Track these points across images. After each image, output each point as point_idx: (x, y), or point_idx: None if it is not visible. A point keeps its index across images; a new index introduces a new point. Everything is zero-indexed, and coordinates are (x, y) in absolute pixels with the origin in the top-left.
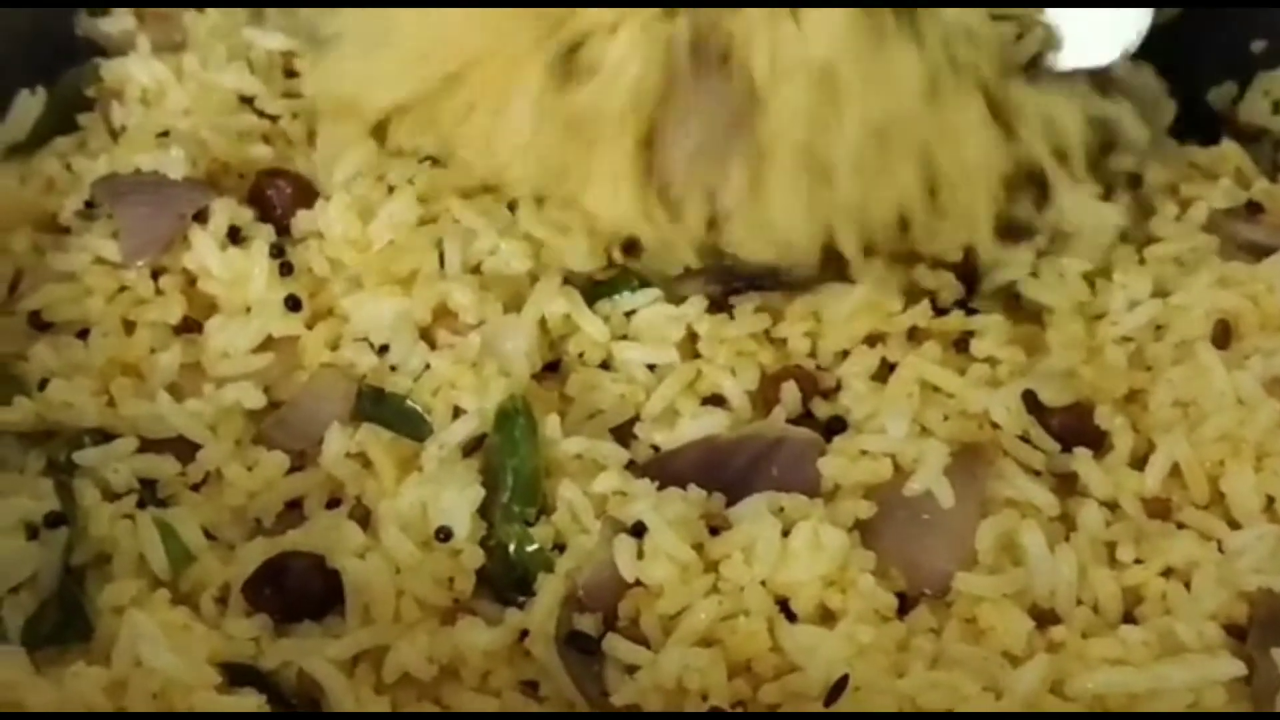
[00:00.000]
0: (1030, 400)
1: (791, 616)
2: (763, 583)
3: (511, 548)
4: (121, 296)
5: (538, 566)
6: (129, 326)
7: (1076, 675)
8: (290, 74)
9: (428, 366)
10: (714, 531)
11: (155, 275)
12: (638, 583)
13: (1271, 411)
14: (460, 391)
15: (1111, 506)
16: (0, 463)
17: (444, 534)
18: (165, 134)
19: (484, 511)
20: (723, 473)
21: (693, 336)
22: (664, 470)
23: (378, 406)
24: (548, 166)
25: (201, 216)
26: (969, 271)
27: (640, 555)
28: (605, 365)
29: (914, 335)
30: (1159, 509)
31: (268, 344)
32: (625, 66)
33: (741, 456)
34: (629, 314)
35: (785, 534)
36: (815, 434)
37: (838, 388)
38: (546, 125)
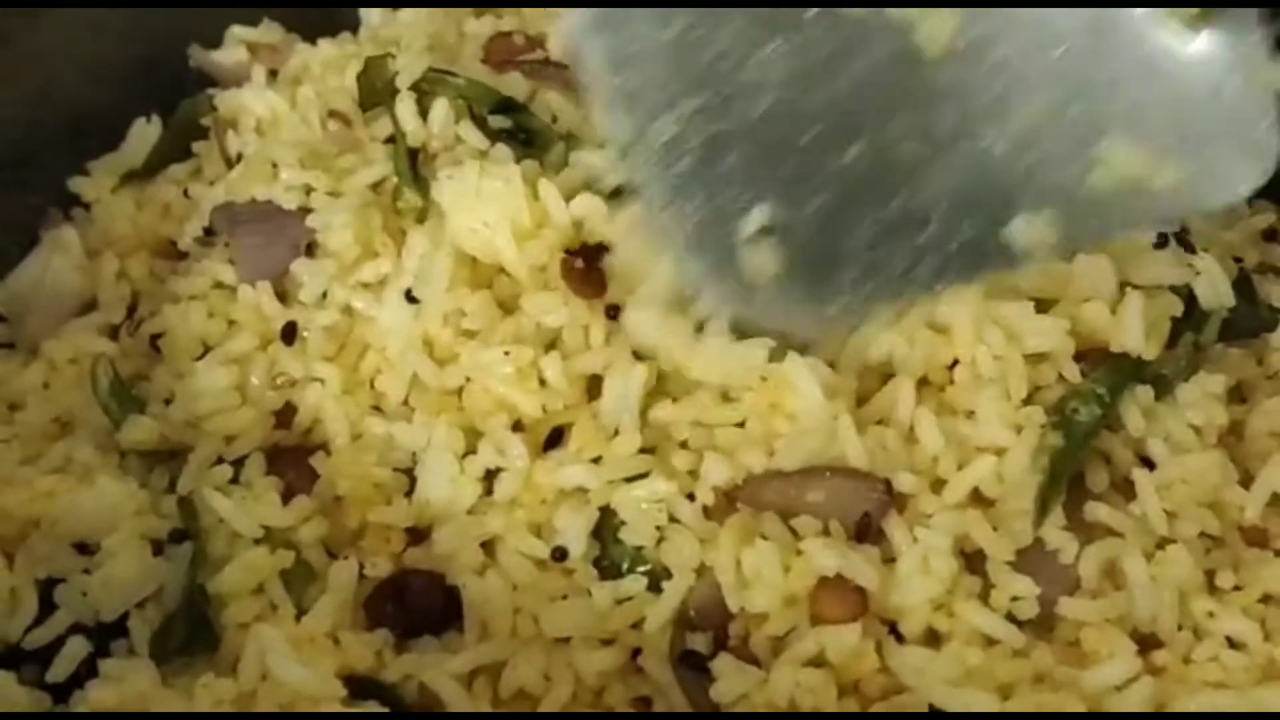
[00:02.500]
0: None
1: (900, 638)
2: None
3: (624, 567)
4: (240, 319)
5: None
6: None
7: (1179, 698)
8: None
9: None
10: None
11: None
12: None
13: None
14: None
15: (1211, 535)
16: (126, 481)
17: (560, 554)
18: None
19: (597, 532)
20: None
21: None
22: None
23: None
24: None
25: (312, 248)
26: None
27: (745, 585)
28: None
29: None
30: (1257, 537)
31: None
32: None
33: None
34: None
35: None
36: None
37: None
38: None
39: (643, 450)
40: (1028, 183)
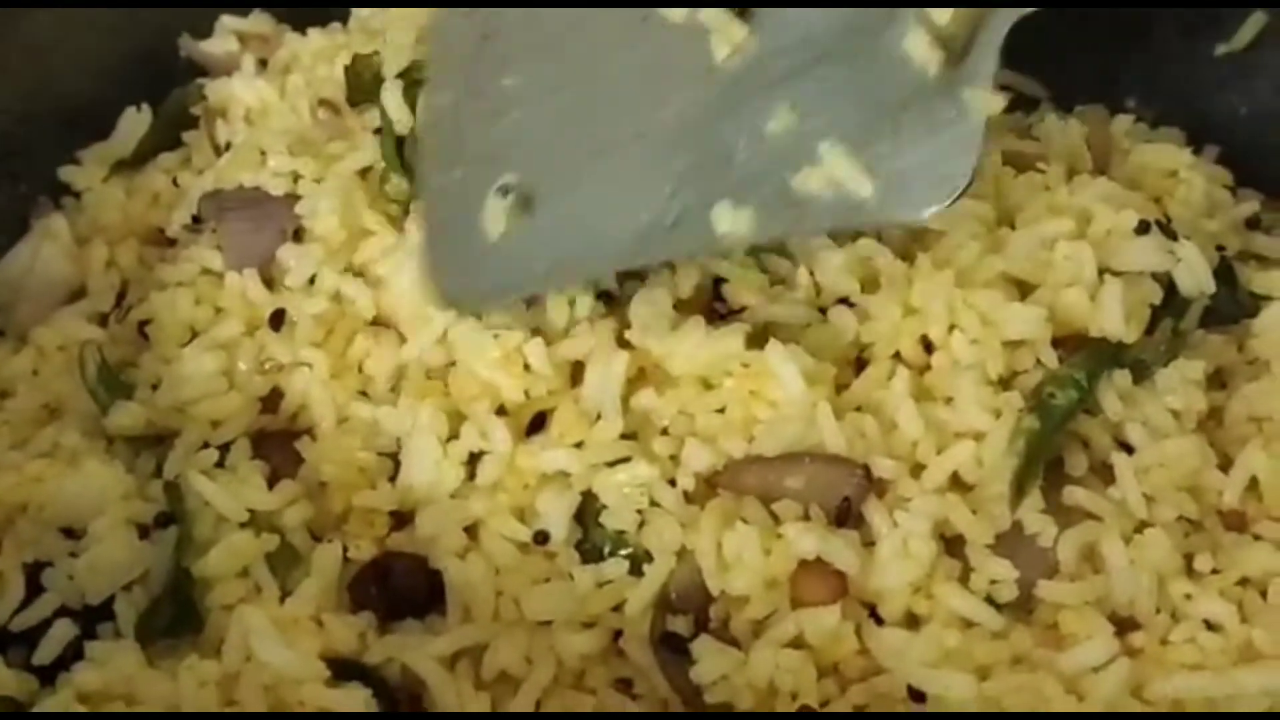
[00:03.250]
0: None
1: (879, 621)
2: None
3: (605, 550)
4: (228, 306)
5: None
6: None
7: (1156, 680)
8: None
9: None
10: None
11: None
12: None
13: None
14: None
15: (1190, 519)
16: (113, 466)
17: (542, 537)
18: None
19: (579, 517)
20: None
21: None
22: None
23: None
24: None
25: (299, 234)
26: None
27: (726, 568)
28: None
29: None
30: (1235, 521)
31: None
32: None
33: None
34: None
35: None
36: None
37: None
38: None
39: (624, 436)
40: (740, 173)
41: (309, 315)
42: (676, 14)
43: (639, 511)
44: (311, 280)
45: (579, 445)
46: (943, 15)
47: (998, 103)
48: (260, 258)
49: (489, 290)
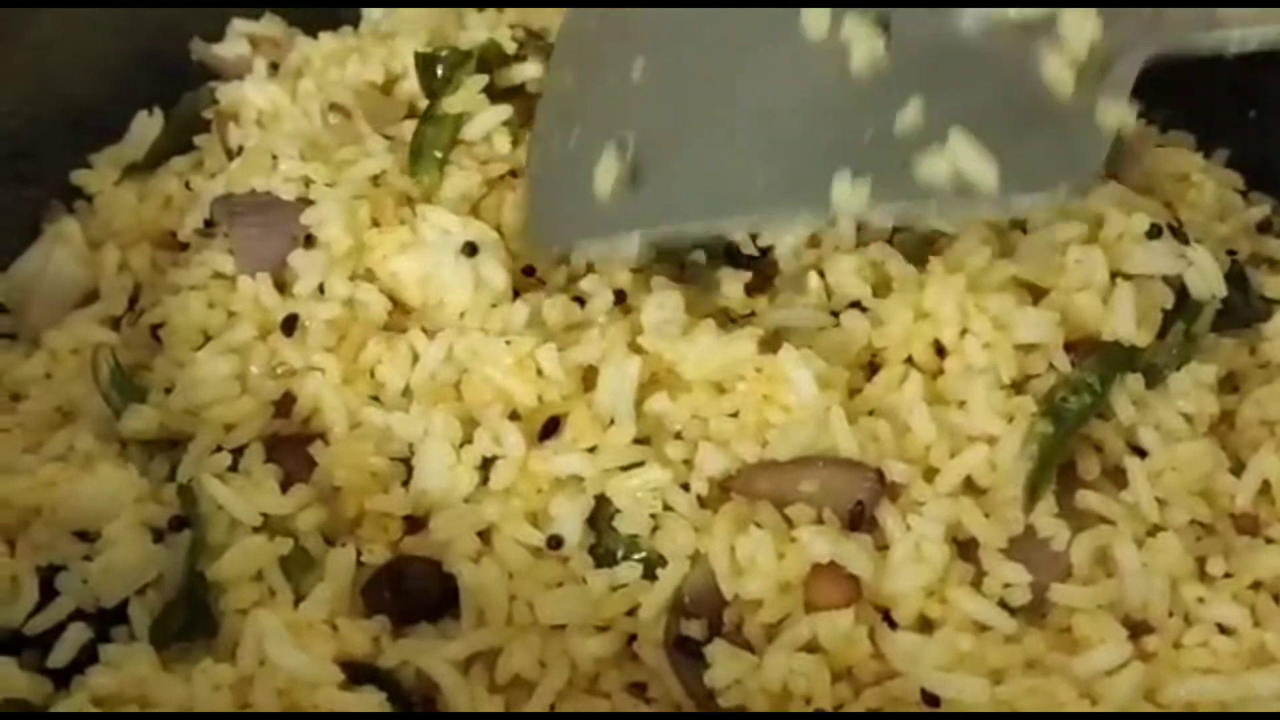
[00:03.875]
0: None
1: (893, 625)
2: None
3: (619, 555)
4: (240, 310)
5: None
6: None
7: (1169, 683)
8: None
9: None
10: None
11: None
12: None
13: None
14: None
15: (1202, 523)
16: (127, 469)
17: (555, 542)
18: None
19: (592, 521)
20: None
21: None
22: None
23: None
24: None
25: (310, 239)
26: None
27: (739, 572)
28: None
29: None
30: (1248, 525)
31: None
32: None
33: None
34: None
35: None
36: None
37: None
38: None
39: (637, 441)
40: (865, 150)
41: (321, 320)
42: (816, 30)
43: (652, 516)
44: (321, 287)
45: (592, 450)
46: (1081, 45)
47: (1131, 116)
48: (272, 262)
49: (594, 237)
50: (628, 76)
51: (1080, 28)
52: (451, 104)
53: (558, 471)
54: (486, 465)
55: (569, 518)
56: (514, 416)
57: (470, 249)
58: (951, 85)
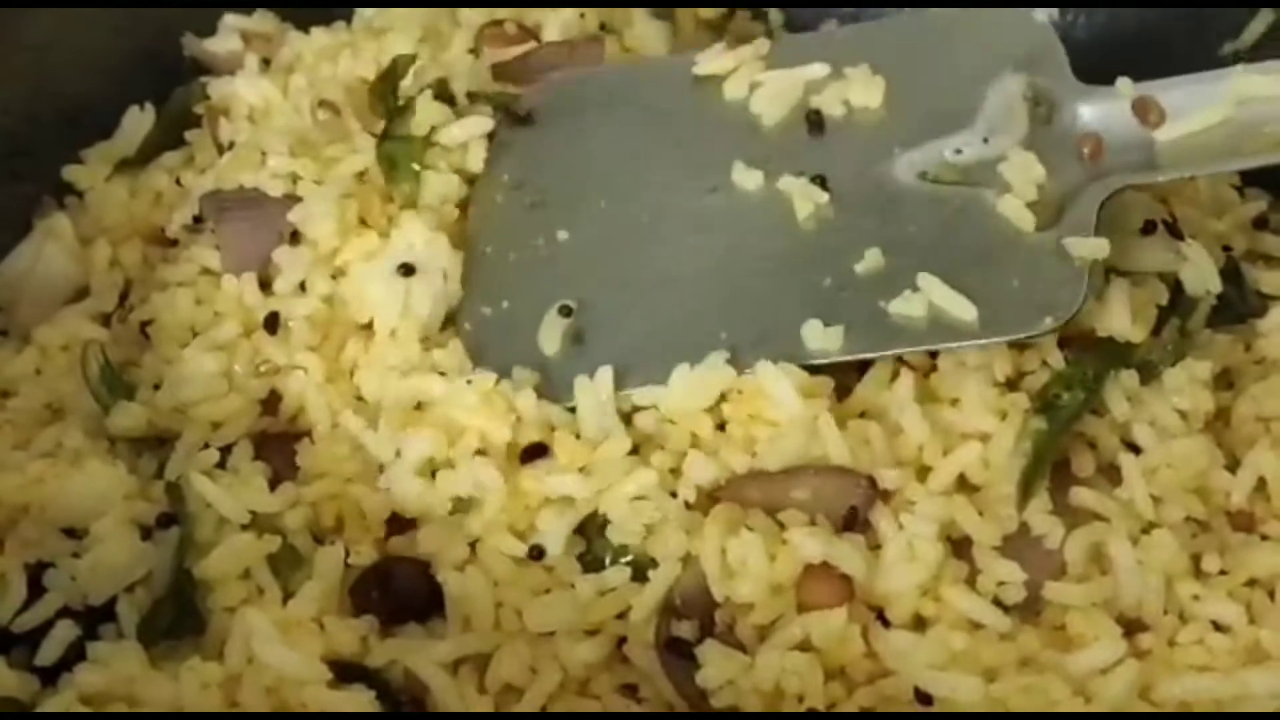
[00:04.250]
0: None
1: (886, 624)
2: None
3: (607, 560)
4: (224, 308)
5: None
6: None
7: (1164, 681)
8: None
9: None
10: None
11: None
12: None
13: None
14: None
15: (1197, 520)
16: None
17: (537, 552)
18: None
19: (581, 528)
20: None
21: None
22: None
23: None
24: None
25: (296, 236)
26: None
27: (730, 574)
28: None
29: None
30: (1243, 522)
31: None
32: None
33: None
34: None
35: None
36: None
37: None
38: None
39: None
40: (829, 298)
41: (302, 318)
42: (750, 183)
43: (645, 525)
44: (303, 285)
45: (583, 470)
46: (1028, 187)
47: (1103, 247)
48: (257, 259)
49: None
50: (555, 246)
51: (1025, 170)
52: (419, 125)
53: (550, 493)
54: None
55: (554, 531)
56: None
57: (406, 270)
58: (906, 230)
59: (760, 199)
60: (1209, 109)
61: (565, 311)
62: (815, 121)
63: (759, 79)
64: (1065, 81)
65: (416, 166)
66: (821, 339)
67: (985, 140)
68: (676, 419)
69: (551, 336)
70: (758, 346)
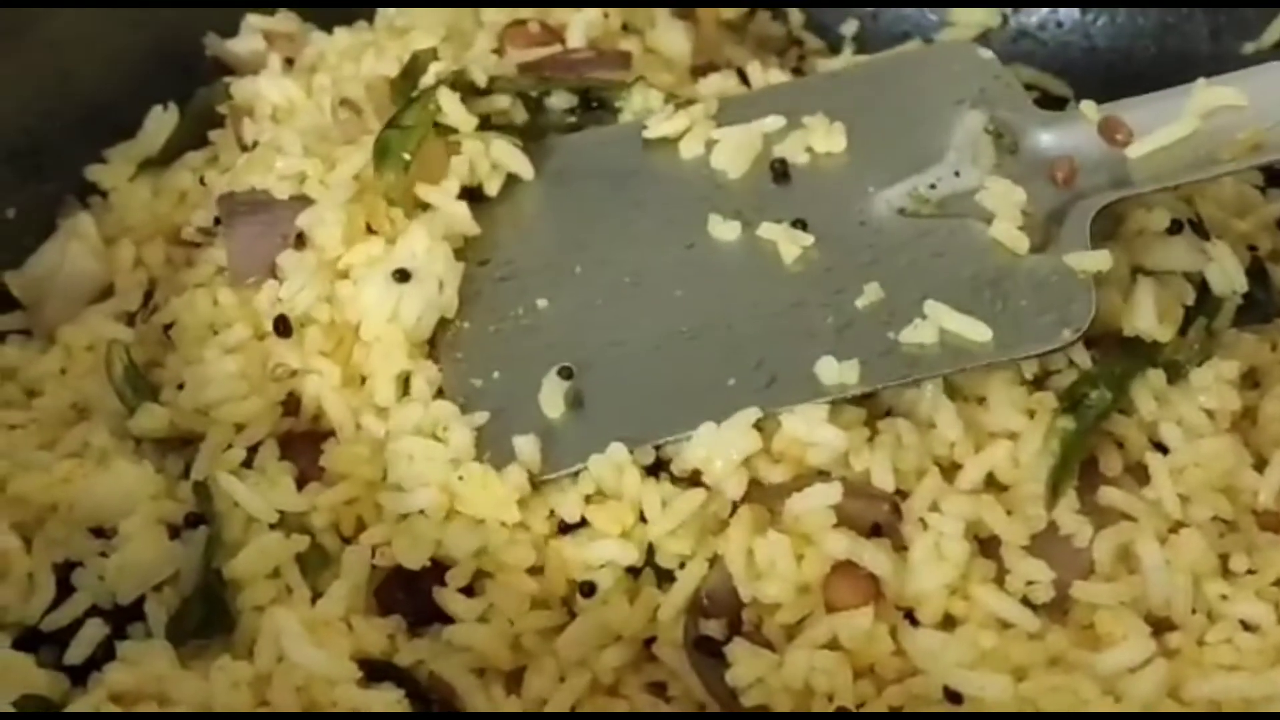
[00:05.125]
0: None
1: (914, 623)
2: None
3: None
4: (238, 310)
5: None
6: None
7: (1192, 681)
8: None
9: None
10: None
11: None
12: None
13: None
14: None
15: (1225, 520)
16: (142, 465)
17: (587, 589)
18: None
19: None
20: None
21: None
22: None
23: None
24: None
25: (301, 240)
26: None
27: (757, 575)
28: None
29: None
30: (1271, 522)
31: None
32: None
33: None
34: None
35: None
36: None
37: None
38: None
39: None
40: (836, 335)
41: (313, 323)
42: (728, 234)
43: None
44: (307, 288)
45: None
46: (1012, 211)
47: (1106, 259)
48: (264, 262)
49: (557, 462)
50: (535, 312)
51: (1006, 196)
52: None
53: (592, 560)
54: None
55: (606, 574)
56: None
57: (401, 275)
58: (899, 263)
59: (742, 249)
60: (1175, 124)
61: (566, 374)
62: (780, 170)
63: (714, 136)
64: (1025, 110)
65: (407, 156)
66: (838, 374)
67: (956, 174)
68: (707, 478)
69: (554, 400)
70: (769, 391)
